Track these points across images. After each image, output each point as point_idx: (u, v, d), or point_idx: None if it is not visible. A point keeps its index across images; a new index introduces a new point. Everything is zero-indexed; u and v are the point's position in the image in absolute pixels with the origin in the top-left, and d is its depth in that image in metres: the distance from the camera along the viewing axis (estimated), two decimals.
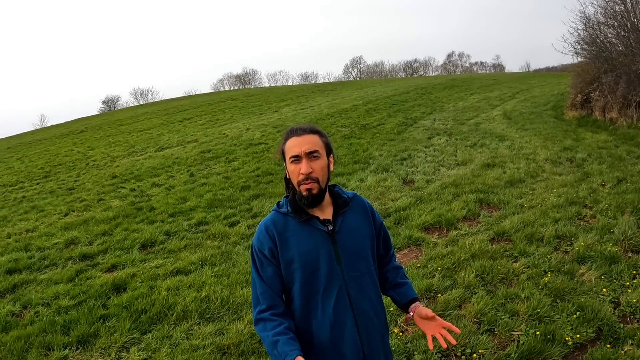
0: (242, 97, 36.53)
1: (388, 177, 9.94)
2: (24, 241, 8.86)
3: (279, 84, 76.53)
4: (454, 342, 2.08)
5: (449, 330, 2.10)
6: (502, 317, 4.23)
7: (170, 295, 5.36)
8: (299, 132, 2.08)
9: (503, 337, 4.00)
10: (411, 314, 2.19)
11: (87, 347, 4.62)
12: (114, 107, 73.06)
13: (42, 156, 22.70)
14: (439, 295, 4.77)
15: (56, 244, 8.38)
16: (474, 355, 3.76)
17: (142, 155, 17.97)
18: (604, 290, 4.58)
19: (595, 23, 16.91)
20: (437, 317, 2.11)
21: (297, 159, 2.04)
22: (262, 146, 15.94)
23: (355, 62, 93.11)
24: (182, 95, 59.26)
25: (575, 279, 4.87)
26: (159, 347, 4.36)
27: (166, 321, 4.86)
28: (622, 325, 4.04)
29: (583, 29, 17.32)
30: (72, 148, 23.55)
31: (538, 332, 3.92)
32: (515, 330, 4.05)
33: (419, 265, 5.49)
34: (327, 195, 2.16)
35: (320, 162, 2.06)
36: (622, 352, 3.65)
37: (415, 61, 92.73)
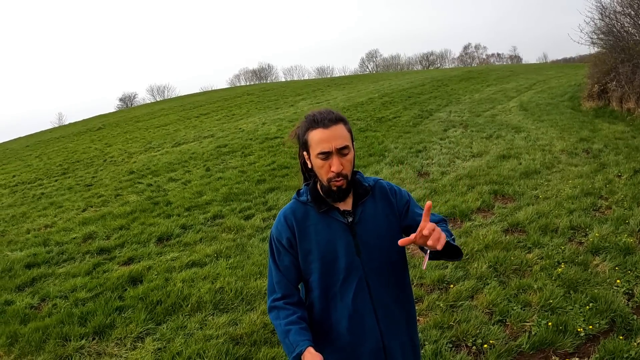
0: (258, 91, 36.63)
1: (403, 169, 9.93)
2: (43, 236, 9.02)
3: (295, 79, 76.49)
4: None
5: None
6: (514, 308, 4.23)
7: (185, 286, 5.44)
8: (326, 123, 1.94)
9: (515, 328, 4.00)
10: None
11: (103, 338, 4.72)
12: (131, 104, 73.66)
13: (60, 153, 23.00)
14: (452, 285, 4.78)
15: (74, 238, 8.52)
16: (485, 345, 3.77)
17: (158, 150, 18.12)
18: (618, 281, 4.55)
19: (612, 12, 16.68)
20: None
21: (327, 155, 1.93)
22: (278, 140, 15.98)
23: (371, 56, 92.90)
24: (198, 91, 59.52)
25: (589, 270, 4.84)
26: (174, 337, 4.44)
27: (181, 312, 4.94)
28: (635, 317, 4.01)
29: (599, 19, 17.13)
30: (90, 145, 23.83)
31: (550, 323, 3.91)
32: (527, 321, 4.05)
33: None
34: None
35: (349, 156, 1.97)
36: (635, 343, 3.63)
37: (432, 54, 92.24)
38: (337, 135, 1.93)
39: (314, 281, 2.03)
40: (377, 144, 13.22)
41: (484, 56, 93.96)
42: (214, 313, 4.85)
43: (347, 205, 2.04)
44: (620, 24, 16.73)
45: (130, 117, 35.29)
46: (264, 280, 5.32)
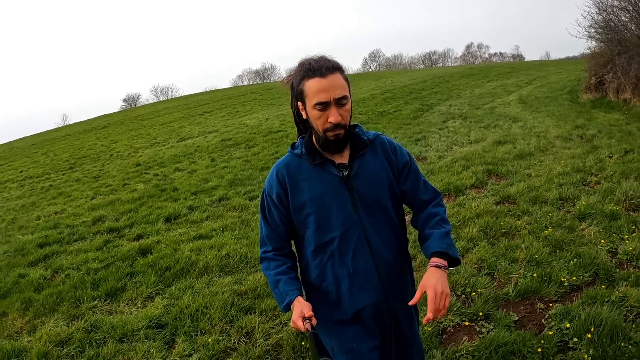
0: (262, 90, 36.93)
1: None
2: (53, 221, 9.32)
3: None
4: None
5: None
6: (502, 263, 4.51)
7: (193, 254, 5.74)
8: (323, 72, 1.82)
9: (502, 280, 4.28)
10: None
11: (115, 299, 5.01)
12: (135, 105, 74.07)
13: (66, 150, 23.34)
14: None
15: (84, 222, 8.82)
16: (473, 293, 4.04)
17: (164, 145, 18.43)
18: (602, 241, 4.82)
19: (609, 6, 16.93)
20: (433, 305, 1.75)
21: (324, 106, 1.83)
22: (282, 133, 16.27)
23: (374, 55, 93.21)
24: (202, 91, 59.86)
25: (575, 232, 5.11)
26: (182, 295, 4.73)
27: (189, 275, 5.24)
28: (618, 270, 4.27)
29: (597, 13, 17.39)
30: (96, 142, 24.16)
31: (535, 275, 4.19)
32: (514, 273, 4.33)
33: None
34: None
35: (348, 106, 1.88)
36: (617, 291, 3.89)
37: (434, 53, 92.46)
38: (335, 85, 1.82)
39: (309, 236, 1.98)
40: None
41: (487, 55, 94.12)
42: (219, 275, 5.15)
43: (343, 158, 1.97)
44: (617, 17, 16.97)
45: (134, 116, 35.63)
46: None
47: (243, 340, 3.76)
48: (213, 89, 58.62)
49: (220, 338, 3.79)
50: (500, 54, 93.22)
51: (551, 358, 3.16)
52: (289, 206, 1.97)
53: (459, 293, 4.09)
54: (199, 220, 7.48)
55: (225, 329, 3.95)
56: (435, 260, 1.84)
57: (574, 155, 8.48)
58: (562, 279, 4.10)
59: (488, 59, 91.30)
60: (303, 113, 1.94)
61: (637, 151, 8.26)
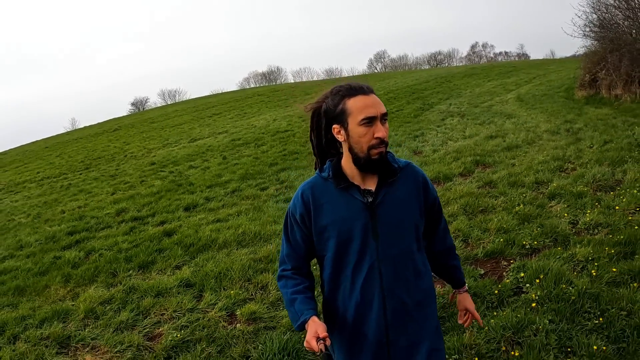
0: (269, 92, 37.78)
1: (400, 150, 11.02)
2: (78, 214, 10.21)
3: (304, 80, 77.75)
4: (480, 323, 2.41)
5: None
6: (475, 232, 5.33)
7: (213, 233, 6.60)
8: (366, 91, 1.87)
9: (474, 245, 5.10)
10: (456, 294, 2.33)
11: (147, 270, 5.87)
12: (143, 108, 75.20)
13: (80, 152, 24.26)
14: None
15: (108, 213, 9.69)
16: None
17: (176, 146, 19.31)
18: (566, 215, 5.61)
19: (604, 5, 17.63)
20: (473, 311, 2.28)
21: (371, 121, 1.84)
22: (289, 132, 17.11)
23: (379, 57, 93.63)
24: (209, 93, 60.83)
25: (544, 209, 5.91)
26: (206, 263, 5.59)
27: (210, 250, 6.10)
28: (575, 236, 5.06)
29: (591, 12, 18.10)
30: (108, 144, 25.07)
31: (502, 239, 5.00)
32: (485, 240, 5.14)
33: None
34: None
35: (387, 125, 1.90)
36: (568, 251, 4.68)
37: (439, 53, 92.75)
38: (379, 101, 1.88)
39: (328, 259, 1.99)
40: None
41: (492, 55, 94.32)
42: (237, 248, 6.01)
43: (368, 184, 1.95)
44: (610, 15, 17.65)
45: (144, 118, 36.60)
46: (278, 225, 6.46)
47: (259, 292, 4.61)
48: (220, 91, 59.53)
49: (240, 291, 4.64)
50: (505, 53, 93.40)
51: (506, 299, 3.96)
52: (311, 227, 1.98)
53: None
54: (216, 208, 8.34)
55: (244, 285, 4.81)
56: (464, 287, 2.29)
57: (557, 146, 9.25)
58: (524, 243, 4.91)
59: (493, 58, 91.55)
60: (339, 136, 1.91)
61: (616, 141, 9.01)
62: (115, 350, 3.92)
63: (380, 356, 1.97)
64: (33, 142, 43.12)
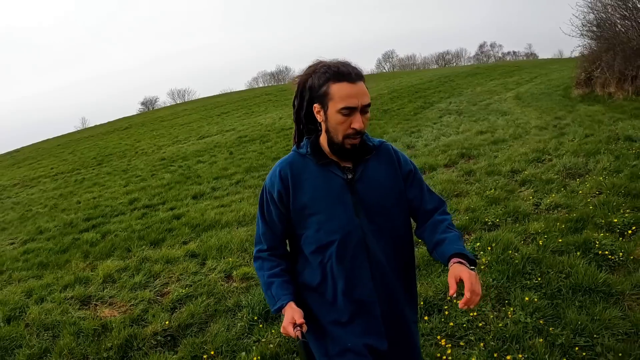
0: (276, 91, 38.52)
1: (394, 144, 11.68)
2: (93, 203, 10.99)
3: None
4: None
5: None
6: (455, 202, 6.00)
7: (217, 216, 7.35)
8: (353, 78, 1.84)
9: None
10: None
11: (158, 246, 6.61)
12: (153, 108, 76.26)
13: (92, 149, 25.14)
14: None
15: (121, 202, 10.45)
16: None
17: (185, 143, 20.09)
18: (531, 198, 6.26)
19: (601, 5, 18.14)
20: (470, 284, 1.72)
21: (351, 111, 1.82)
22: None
23: (388, 56, 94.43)
24: (218, 93, 61.73)
25: (514, 193, 6.56)
26: (209, 239, 6.31)
27: (214, 229, 6.83)
28: (535, 215, 5.71)
29: (589, 11, 18.63)
30: (120, 142, 25.95)
31: (467, 217, 5.66)
32: (455, 218, 5.79)
33: None
34: None
35: (368, 115, 1.89)
36: (525, 227, 5.33)
37: (447, 53, 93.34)
38: (363, 92, 1.85)
39: (309, 236, 1.96)
40: (378, 128, 15.00)
41: (500, 54, 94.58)
42: (237, 227, 6.74)
43: (347, 161, 1.97)
44: (607, 14, 18.16)
45: (154, 117, 37.51)
46: None
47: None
48: (229, 91, 60.40)
49: (237, 259, 5.38)
50: (514, 52, 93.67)
51: None
52: (289, 205, 1.95)
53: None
54: (221, 196, 9.08)
55: (241, 255, 5.54)
56: (456, 258, 1.79)
57: (541, 140, 9.87)
58: (487, 220, 5.58)
59: (501, 58, 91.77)
60: (319, 116, 1.91)
61: (596, 135, 9.61)
62: (130, 304, 4.65)
63: (375, 327, 1.98)
64: (45, 141, 44.14)
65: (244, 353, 3.48)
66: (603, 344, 3.24)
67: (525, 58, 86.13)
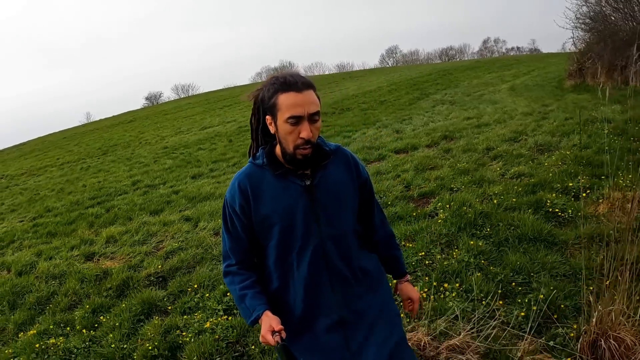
0: None
1: (384, 130, 12.25)
2: (98, 186, 11.60)
3: (316, 74, 78.89)
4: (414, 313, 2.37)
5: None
6: (418, 181, 6.58)
7: (211, 190, 7.94)
8: (299, 87, 1.84)
9: (413, 189, 6.33)
10: (398, 284, 2.34)
11: (157, 215, 7.22)
12: (157, 102, 76.99)
13: (97, 141, 25.83)
14: (383, 175, 7.11)
15: (125, 184, 11.07)
16: (390, 194, 6.08)
17: (188, 133, 20.70)
18: (499, 169, 6.80)
19: None
20: (417, 301, 2.29)
21: (297, 120, 1.82)
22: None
23: (391, 52, 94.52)
24: (222, 87, 62.42)
25: (485, 166, 7.10)
26: (203, 207, 6.94)
27: (208, 200, 7.44)
28: (497, 182, 6.24)
29: (582, 4, 19.08)
30: (124, 134, 26.62)
31: (435, 185, 6.22)
32: (423, 186, 6.36)
33: (378, 166, 7.86)
34: None
35: (319, 123, 1.89)
36: (485, 189, 5.86)
37: (451, 48, 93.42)
38: (309, 100, 1.84)
39: (272, 247, 1.98)
40: (372, 117, 15.54)
41: (504, 50, 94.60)
42: None
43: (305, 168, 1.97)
44: (599, 7, 18.58)
45: (158, 111, 38.19)
46: None
47: None
48: (232, 86, 61.06)
49: None
50: (517, 48, 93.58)
51: (422, 219, 5.18)
52: (251, 216, 1.95)
53: (381, 195, 6.14)
54: (217, 176, 9.69)
55: None
56: (406, 277, 2.32)
57: (522, 124, 10.38)
58: (453, 186, 6.14)
59: (505, 53, 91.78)
60: (271, 127, 1.92)
61: (575, 118, 10.09)
62: (129, 256, 5.27)
63: (336, 336, 2.01)
64: (50, 134, 44.94)
65: (222, 285, 4.06)
66: (539, 281, 3.73)
67: (529, 53, 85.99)
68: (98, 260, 5.44)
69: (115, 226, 6.86)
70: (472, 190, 5.83)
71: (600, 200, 5.11)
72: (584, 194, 5.40)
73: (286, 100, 1.81)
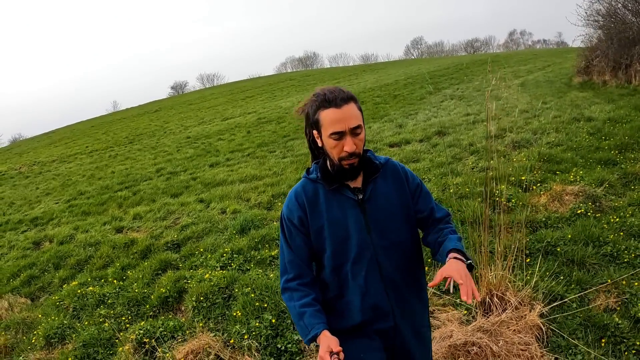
0: (300, 77, 40.15)
1: (388, 124, 13.21)
2: (125, 173, 12.85)
3: (340, 65, 79.55)
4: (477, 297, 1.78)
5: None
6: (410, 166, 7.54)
7: (224, 176, 9.07)
8: (338, 103, 1.88)
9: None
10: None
11: (177, 197, 8.39)
12: (182, 92, 78.59)
13: (124, 130, 27.29)
14: None
15: (149, 171, 12.29)
16: None
17: (210, 124, 21.89)
18: (471, 163, 7.74)
19: None
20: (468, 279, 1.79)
21: (340, 135, 1.88)
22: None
23: (416, 43, 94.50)
24: (246, 78, 63.65)
25: (461, 160, 8.05)
26: (216, 191, 8.05)
27: (221, 185, 8.58)
28: (463, 174, 7.19)
29: (595, 1, 19.53)
30: (150, 123, 28.03)
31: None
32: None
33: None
34: None
35: (362, 135, 1.94)
36: (445, 181, 6.79)
37: (476, 40, 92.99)
38: (350, 115, 1.89)
39: (327, 258, 2.04)
40: (382, 111, 16.48)
41: (530, 42, 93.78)
42: (239, 183, 8.50)
43: (357, 182, 2.03)
44: (610, 4, 19.01)
45: (183, 101, 39.65)
46: (270, 171, 8.85)
47: (244, 202, 7.04)
48: (256, 76, 62.27)
49: (233, 202, 7.08)
50: (544, 41, 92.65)
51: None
52: (309, 228, 2.02)
53: None
54: (232, 164, 10.84)
55: (237, 200, 7.27)
56: (453, 254, 1.89)
57: (514, 122, 11.24)
58: (424, 177, 7.13)
59: (531, 46, 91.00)
60: (318, 141, 1.98)
61: (563, 117, 10.92)
62: (152, 230, 6.43)
63: (389, 342, 2.11)
64: (79, 122, 46.74)
65: (220, 249, 5.19)
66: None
67: (555, 46, 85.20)
68: (126, 232, 6.62)
69: (140, 206, 8.05)
70: (437, 181, 6.81)
71: (542, 193, 6.05)
72: (534, 187, 6.29)
73: (327, 117, 1.89)
